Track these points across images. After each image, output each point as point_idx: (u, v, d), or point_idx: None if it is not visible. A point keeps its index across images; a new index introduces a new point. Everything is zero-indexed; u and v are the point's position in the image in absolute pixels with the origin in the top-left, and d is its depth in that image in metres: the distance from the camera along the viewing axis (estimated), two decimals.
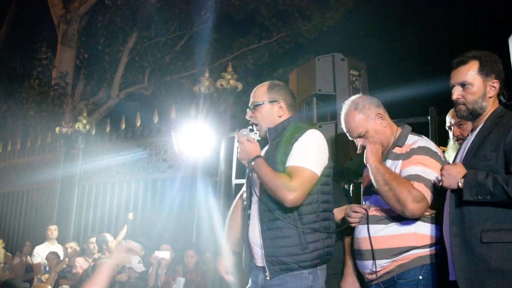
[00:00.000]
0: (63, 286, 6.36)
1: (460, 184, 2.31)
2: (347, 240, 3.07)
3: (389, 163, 2.72)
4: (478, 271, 2.27)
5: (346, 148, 3.52)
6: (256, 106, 2.90)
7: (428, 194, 2.53)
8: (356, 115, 2.79)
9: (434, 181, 2.55)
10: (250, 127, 2.92)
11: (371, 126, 2.77)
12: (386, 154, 2.78)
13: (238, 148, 2.80)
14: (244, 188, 3.12)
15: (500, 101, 2.59)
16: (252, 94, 2.96)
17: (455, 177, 2.33)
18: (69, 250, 6.75)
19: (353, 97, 2.89)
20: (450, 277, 2.40)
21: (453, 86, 2.53)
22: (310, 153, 2.68)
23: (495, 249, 2.25)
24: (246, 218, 2.90)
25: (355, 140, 2.84)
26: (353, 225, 2.78)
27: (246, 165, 2.78)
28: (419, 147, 2.64)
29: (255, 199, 2.82)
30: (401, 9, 12.57)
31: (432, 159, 2.61)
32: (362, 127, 2.77)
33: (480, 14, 11.94)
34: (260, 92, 2.93)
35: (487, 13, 11.76)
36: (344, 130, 2.88)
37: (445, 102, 2.82)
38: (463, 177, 2.31)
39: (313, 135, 2.74)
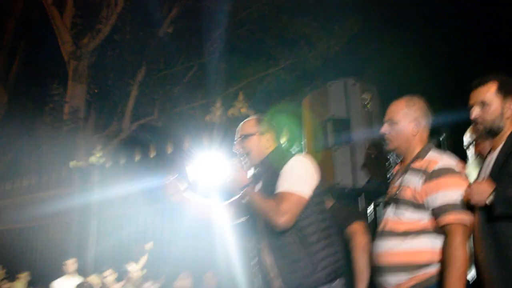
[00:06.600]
0: None
1: (488, 202, 2.34)
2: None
3: (407, 178, 2.70)
4: None
5: (363, 170, 3.59)
6: (245, 137, 3.02)
7: (470, 219, 2.53)
8: (402, 105, 2.83)
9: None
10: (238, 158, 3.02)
11: (402, 123, 2.79)
12: (406, 167, 2.78)
13: (228, 179, 2.88)
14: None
15: None
16: (238, 129, 3.09)
17: (483, 194, 2.36)
18: None
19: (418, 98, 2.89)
20: None
21: (472, 105, 2.63)
22: (295, 177, 2.79)
23: None
24: (258, 250, 2.95)
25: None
26: None
27: (237, 194, 2.91)
28: (441, 169, 2.62)
29: (261, 229, 2.90)
30: (405, 30, 12.69)
31: (456, 178, 2.61)
32: (397, 117, 2.81)
33: (493, 37, 11.89)
34: (249, 125, 3.06)
35: (496, 36, 11.73)
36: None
37: (456, 124, 2.88)
38: (492, 193, 2.34)
39: (296, 161, 2.86)
